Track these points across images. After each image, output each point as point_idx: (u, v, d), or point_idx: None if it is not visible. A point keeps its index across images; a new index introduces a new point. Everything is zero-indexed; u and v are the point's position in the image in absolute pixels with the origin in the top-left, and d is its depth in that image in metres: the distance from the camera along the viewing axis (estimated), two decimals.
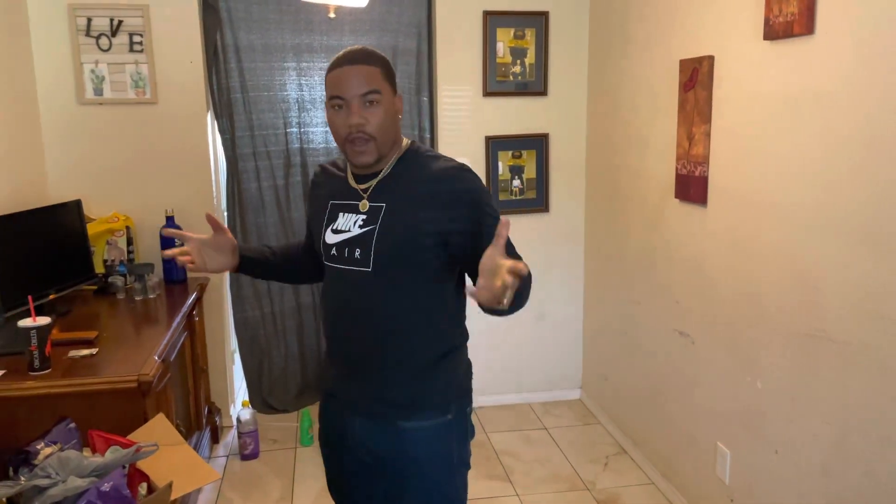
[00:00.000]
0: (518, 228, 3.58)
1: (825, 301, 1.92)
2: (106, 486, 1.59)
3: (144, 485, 1.76)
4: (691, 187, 2.55)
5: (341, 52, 1.53)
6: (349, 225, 1.55)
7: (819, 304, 1.94)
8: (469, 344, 1.69)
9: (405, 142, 1.61)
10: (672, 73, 2.67)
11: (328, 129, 3.46)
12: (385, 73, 1.52)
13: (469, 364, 1.71)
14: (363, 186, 1.57)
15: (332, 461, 1.76)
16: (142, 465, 1.76)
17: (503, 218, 1.31)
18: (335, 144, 3.47)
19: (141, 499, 1.71)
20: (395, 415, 1.58)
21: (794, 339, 2.05)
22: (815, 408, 1.98)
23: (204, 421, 3.15)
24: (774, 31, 2.04)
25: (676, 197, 2.67)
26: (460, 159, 1.58)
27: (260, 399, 3.61)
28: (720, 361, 2.45)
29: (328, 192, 1.64)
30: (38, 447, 1.75)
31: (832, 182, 1.87)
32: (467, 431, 1.69)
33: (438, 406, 1.60)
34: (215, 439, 3.35)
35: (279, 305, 3.55)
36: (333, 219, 1.59)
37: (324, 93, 3.42)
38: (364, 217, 1.53)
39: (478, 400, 3.74)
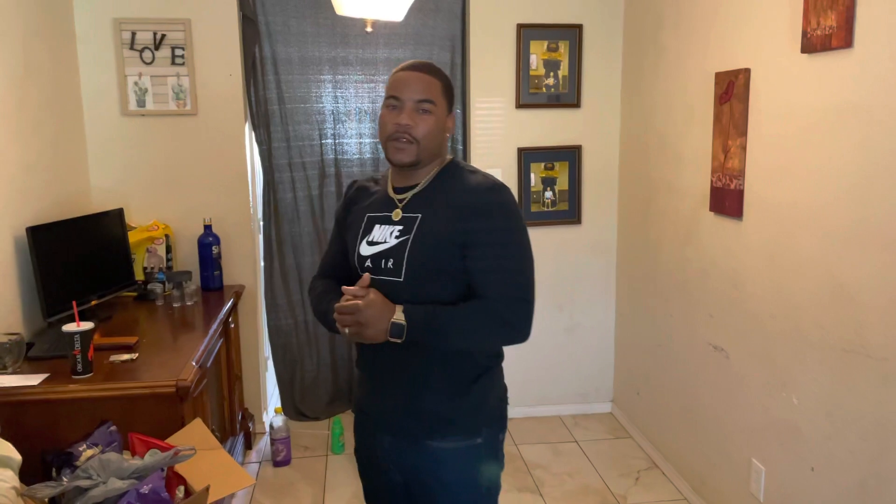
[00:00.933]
0: (550, 240, 3.62)
1: (863, 316, 1.89)
2: (145, 489, 1.62)
3: (182, 488, 1.79)
4: (726, 200, 2.53)
5: (410, 60, 1.58)
6: (385, 236, 1.56)
7: (857, 318, 1.92)
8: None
9: (448, 157, 1.63)
10: (707, 86, 2.66)
11: (361, 140, 3.53)
12: (445, 89, 1.56)
13: (504, 389, 1.67)
14: (400, 197, 1.59)
15: (367, 477, 1.77)
16: (179, 468, 1.79)
17: (364, 275, 1.51)
18: (368, 156, 3.55)
19: (179, 501, 1.74)
20: (424, 433, 1.57)
21: (831, 354, 2.02)
22: (853, 424, 1.94)
23: (238, 427, 3.20)
24: (812, 45, 2.02)
25: (711, 210, 2.66)
26: (492, 170, 1.59)
27: (292, 406, 3.65)
28: (755, 376, 2.42)
29: (365, 206, 1.65)
30: (80, 449, 1.79)
31: (870, 195, 1.85)
32: (499, 459, 1.65)
33: (468, 428, 1.57)
34: (248, 445, 3.40)
35: (311, 314, 3.58)
36: (369, 231, 1.60)
37: (359, 105, 3.49)
38: (400, 228, 1.54)
39: (509, 412, 3.74)
